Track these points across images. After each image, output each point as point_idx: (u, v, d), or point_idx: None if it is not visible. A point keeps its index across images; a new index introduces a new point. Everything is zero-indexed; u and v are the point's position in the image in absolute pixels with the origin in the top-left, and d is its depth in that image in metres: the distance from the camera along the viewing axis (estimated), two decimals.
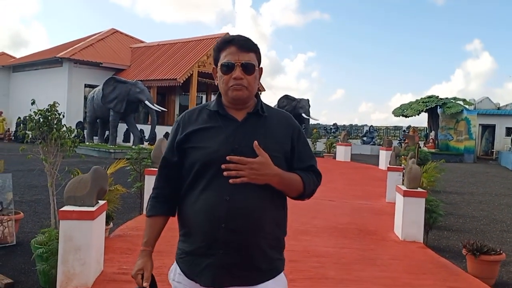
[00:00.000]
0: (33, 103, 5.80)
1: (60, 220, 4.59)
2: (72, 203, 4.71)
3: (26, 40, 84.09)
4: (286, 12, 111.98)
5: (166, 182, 2.20)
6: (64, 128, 5.90)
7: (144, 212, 8.08)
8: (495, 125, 30.06)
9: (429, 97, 29.65)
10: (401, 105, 30.81)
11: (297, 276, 5.07)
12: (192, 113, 2.22)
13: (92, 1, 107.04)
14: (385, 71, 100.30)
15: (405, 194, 7.10)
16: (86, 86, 26.98)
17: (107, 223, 5.78)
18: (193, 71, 23.72)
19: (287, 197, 2.21)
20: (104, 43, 29.89)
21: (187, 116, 2.21)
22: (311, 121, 29.63)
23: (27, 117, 5.87)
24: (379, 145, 27.85)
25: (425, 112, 29.46)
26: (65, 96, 25.41)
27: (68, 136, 5.82)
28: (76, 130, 6.01)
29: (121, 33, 32.65)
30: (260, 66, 2.21)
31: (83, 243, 4.57)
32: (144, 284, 2.13)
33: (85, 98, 25.35)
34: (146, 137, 21.68)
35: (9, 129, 28.97)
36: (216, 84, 2.18)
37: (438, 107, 29.27)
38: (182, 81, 23.25)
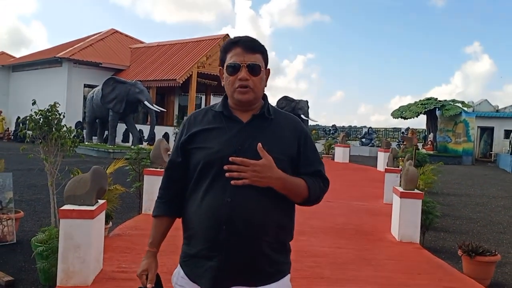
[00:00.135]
0: (34, 103, 5.87)
1: (60, 219, 4.64)
2: (72, 202, 4.76)
3: (25, 39, 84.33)
4: (286, 13, 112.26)
5: (171, 183, 2.20)
6: (65, 128, 5.96)
7: (143, 211, 8.16)
8: (493, 127, 30.18)
9: (428, 99, 29.74)
10: (399, 107, 30.91)
11: (293, 275, 5.05)
12: (198, 114, 2.20)
13: (92, 1, 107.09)
14: (384, 73, 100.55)
15: (402, 195, 7.16)
16: (85, 86, 27.08)
17: (106, 222, 5.84)
18: (192, 71, 23.79)
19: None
20: (103, 43, 29.97)
21: (193, 117, 2.19)
22: (310, 123, 29.74)
23: (28, 117, 5.93)
24: (378, 146, 27.94)
25: (423, 114, 29.55)
26: (64, 96, 25.48)
27: (68, 136, 5.88)
28: (76, 130, 6.06)
29: (121, 33, 32.74)
30: (268, 67, 2.18)
31: (83, 241, 4.62)
32: (148, 285, 2.12)
33: (85, 98, 25.43)
34: (145, 137, 21.75)
35: (8, 128, 29.05)
36: (222, 84, 2.17)
37: (437, 109, 29.37)
38: (181, 82, 23.32)
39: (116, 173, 7.91)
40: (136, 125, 22.35)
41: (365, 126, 36.85)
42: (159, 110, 21.79)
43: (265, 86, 2.17)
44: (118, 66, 28.24)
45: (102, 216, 5.12)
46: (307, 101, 27.78)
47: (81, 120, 25.36)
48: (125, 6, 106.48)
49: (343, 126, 39.01)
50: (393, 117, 30.87)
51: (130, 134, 22.12)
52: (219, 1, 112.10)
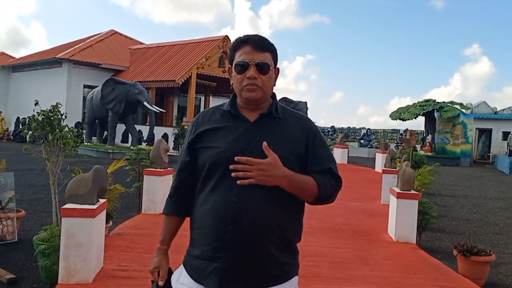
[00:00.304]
0: (36, 103, 5.94)
1: (62, 217, 4.72)
2: (74, 201, 4.84)
3: (25, 39, 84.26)
4: (285, 14, 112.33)
5: (180, 183, 2.20)
6: (66, 129, 6.05)
7: (143, 211, 8.25)
8: (491, 129, 30.23)
9: (426, 100, 29.84)
10: (398, 109, 30.99)
11: None
12: (206, 114, 2.19)
13: (92, 1, 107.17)
14: (384, 75, 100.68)
15: (399, 196, 7.25)
16: (85, 86, 27.16)
17: (106, 221, 5.91)
18: (191, 72, 23.85)
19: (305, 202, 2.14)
20: (103, 44, 30.04)
21: (201, 117, 2.18)
22: None
23: (30, 117, 6.01)
24: (376, 148, 28.02)
25: (422, 115, 29.64)
26: (64, 97, 25.55)
27: (70, 136, 5.96)
28: (77, 130, 6.14)
29: (121, 34, 32.82)
30: (277, 66, 2.16)
31: (84, 240, 4.70)
32: (160, 283, 2.14)
33: (84, 98, 25.51)
34: (145, 138, 21.82)
35: (8, 128, 29.11)
36: (231, 85, 2.16)
37: (435, 111, 29.46)
38: (180, 83, 23.38)
39: (116, 173, 7.98)
40: (136, 126, 22.43)
41: (364, 128, 36.92)
42: (158, 111, 21.85)
43: (274, 85, 2.15)
44: (118, 67, 28.31)
45: (103, 215, 5.20)
46: (306, 102, 27.83)
47: (81, 121, 25.42)
48: (124, 7, 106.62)
49: (342, 128, 39.07)
50: (392, 119, 30.97)
51: (130, 135, 22.20)
52: (219, 2, 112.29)
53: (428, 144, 29.20)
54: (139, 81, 22.94)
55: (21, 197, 9.56)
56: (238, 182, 1.93)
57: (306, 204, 2.15)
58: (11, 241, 6.44)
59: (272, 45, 2.13)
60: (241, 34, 2.13)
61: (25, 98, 28.63)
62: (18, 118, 28.98)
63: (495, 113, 31.03)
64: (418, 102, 30.13)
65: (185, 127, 22.98)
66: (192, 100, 24.44)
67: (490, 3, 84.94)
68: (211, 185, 2.02)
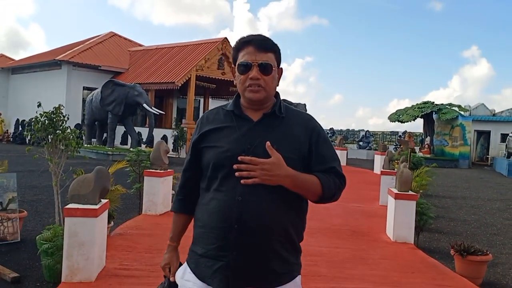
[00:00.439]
0: (39, 105, 6.02)
1: (65, 217, 4.80)
2: (76, 201, 4.92)
3: (23, 41, 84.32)
4: (284, 16, 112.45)
5: (185, 181, 2.25)
6: (69, 130, 6.13)
7: (143, 212, 8.33)
8: (490, 131, 30.34)
9: (425, 103, 29.95)
10: (397, 111, 31.10)
11: None
12: (210, 114, 2.21)
13: (90, 3, 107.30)
14: (383, 77, 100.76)
15: (397, 196, 7.33)
16: (84, 88, 27.22)
17: (108, 222, 5.97)
18: (191, 74, 23.92)
19: (308, 201, 2.16)
20: (102, 46, 30.10)
21: (205, 117, 2.20)
22: None
23: (33, 119, 6.09)
24: (375, 149, 28.10)
25: (420, 118, 29.74)
26: (63, 98, 25.59)
27: (73, 137, 6.05)
28: (80, 132, 6.23)
29: (120, 36, 32.88)
30: (280, 66, 2.16)
31: (87, 239, 4.78)
32: (171, 278, 2.20)
33: (84, 100, 25.58)
34: (144, 140, 21.89)
35: (7, 130, 29.16)
36: (234, 83, 2.17)
37: (434, 113, 29.57)
38: (180, 85, 23.44)
39: (117, 174, 8.05)
40: (135, 128, 22.49)
41: (362, 130, 37.01)
42: (157, 113, 21.92)
43: (277, 85, 2.16)
44: (117, 69, 28.38)
45: (105, 215, 5.28)
46: (305, 104, 27.90)
47: (80, 123, 25.49)
48: (123, 9, 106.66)
49: (341, 130, 39.13)
50: (390, 121, 31.08)
51: (129, 137, 22.26)
52: (218, 4, 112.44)
53: (426, 146, 29.31)
54: (139, 83, 22.99)
55: (22, 198, 9.62)
56: (242, 181, 1.95)
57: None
58: (12, 241, 6.50)
59: (275, 45, 2.13)
60: (244, 34, 2.15)
61: (25, 100, 28.72)
62: (17, 120, 29.09)
63: (494, 115, 31.15)
64: (417, 104, 30.24)
65: (184, 129, 23.07)
66: (191, 102, 24.51)
67: (489, 5, 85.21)
68: (216, 184, 2.04)
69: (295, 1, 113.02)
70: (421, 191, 9.40)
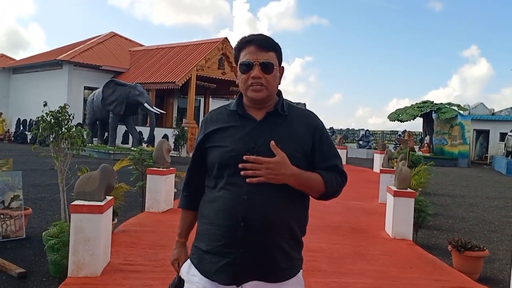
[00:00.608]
0: (45, 104, 6.15)
1: (71, 214, 4.92)
2: (82, 198, 5.04)
3: (23, 41, 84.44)
4: (283, 16, 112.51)
5: (189, 179, 2.30)
6: (74, 129, 6.26)
7: (146, 209, 8.45)
8: (489, 130, 30.44)
9: (424, 102, 30.08)
10: (396, 110, 31.21)
11: None
12: (213, 114, 2.24)
13: (90, 3, 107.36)
14: (382, 76, 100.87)
15: (395, 194, 7.45)
16: (85, 88, 27.34)
17: (112, 218, 6.10)
18: (191, 74, 24.02)
19: (310, 197, 2.19)
20: (103, 46, 30.22)
21: (209, 117, 2.23)
22: None
23: (39, 118, 6.22)
24: (375, 149, 28.21)
25: (420, 117, 29.86)
26: (64, 98, 25.67)
27: (78, 136, 6.17)
28: (86, 130, 6.36)
29: (121, 36, 33.01)
30: (282, 65, 2.19)
31: (92, 235, 4.90)
32: (180, 274, 2.25)
33: (85, 100, 25.71)
34: (145, 139, 22.00)
35: (9, 130, 29.27)
36: (237, 82, 2.19)
37: (433, 112, 29.69)
38: (180, 84, 23.53)
39: (120, 172, 8.16)
40: (136, 127, 22.60)
41: (362, 129, 37.13)
42: (158, 112, 22.02)
43: (279, 83, 2.18)
44: (118, 68, 28.49)
45: (110, 211, 5.40)
46: (304, 104, 28.12)
47: (82, 122, 25.61)
48: (123, 9, 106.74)
49: (341, 129, 39.25)
50: (390, 120, 31.18)
51: (130, 136, 22.39)
52: (217, 3, 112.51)
53: (426, 145, 29.43)
54: (140, 83, 23.10)
55: (25, 196, 9.69)
56: (247, 180, 1.98)
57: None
58: (16, 238, 6.60)
59: (276, 44, 2.16)
60: (245, 34, 2.19)
61: (26, 100, 28.85)
62: (19, 119, 29.22)
63: (493, 114, 31.25)
64: (416, 103, 30.36)
65: (185, 128, 23.17)
66: (192, 102, 24.61)
67: (488, 5, 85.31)
68: (222, 183, 2.07)
69: (294, 0, 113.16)
70: (420, 189, 9.50)
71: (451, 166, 26.94)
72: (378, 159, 18.70)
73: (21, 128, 28.95)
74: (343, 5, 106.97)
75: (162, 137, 19.22)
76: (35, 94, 27.44)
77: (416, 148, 28.02)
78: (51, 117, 6.11)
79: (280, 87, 2.21)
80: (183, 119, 25.95)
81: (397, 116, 30.32)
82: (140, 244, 6.22)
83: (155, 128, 21.68)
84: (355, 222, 8.63)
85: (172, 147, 21.23)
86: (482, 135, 30.90)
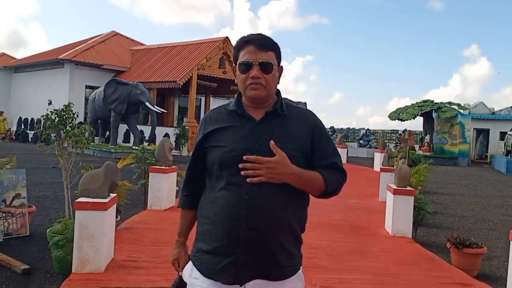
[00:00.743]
0: (50, 103, 6.23)
1: (76, 210, 5.00)
2: (86, 195, 5.12)
3: (24, 40, 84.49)
4: (284, 15, 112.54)
5: (189, 178, 2.30)
6: (78, 128, 6.35)
7: (148, 207, 8.54)
8: (489, 129, 30.51)
9: (424, 101, 30.16)
10: (397, 109, 31.29)
11: None
12: (213, 113, 2.24)
13: (90, 2, 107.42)
14: (383, 75, 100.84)
15: (395, 192, 7.52)
16: (87, 87, 27.44)
17: (115, 216, 6.18)
18: (192, 73, 24.09)
19: (310, 196, 2.20)
20: (105, 45, 30.30)
21: (209, 117, 2.23)
22: None
23: (44, 117, 6.30)
24: (375, 148, 28.29)
25: (420, 116, 29.94)
26: (66, 97, 25.72)
27: (82, 134, 6.26)
28: (90, 129, 6.46)
29: (122, 35, 33.08)
30: (281, 65, 2.19)
31: (96, 231, 4.98)
32: (181, 273, 2.26)
33: (86, 99, 25.82)
34: (146, 138, 22.08)
35: (10, 128, 29.37)
36: (231, 86, 2.24)
37: (433, 111, 29.77)
38: (181, 84, 23.61)
39: (122, 170, 8.21)
40: (137, 126, 22.68)
41: (363, 128, 37.19)
42: (159, 111, 22.10)
43: (278, 83, 2.19)
44: (119, 67, 28.57)
45: (113, 208, 5.49)
46: (305, 103, 28.09)
47: (83, 121, 25.69)
48: (123, 8, 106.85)
49: (342, 128, 39.31)
50: (390, 119, 31.25)
51: (131, 135, 22.47)
52: (218, 3, 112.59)
53: (426, 144, 29.51)
54: (141, 82, 23.17)
55: (28, 194, 9.75)
56: (247, 180, 1.99)
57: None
58: (20, 235, 6.67)
59: (275, 44, 2.16)
60: (245, 34, 2.19)
61: (27, 99, 28.95)
62: (20, 118, 29.33)
63: (493, 113, 31.31)
64: (417, 102, 30.45)
65: (186, 127, 23.25)
66: (192, 101, 24.69)
67: (488, 4, 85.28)
68: (222, 183, 2.07)
69: None
70: (419, 187, 9.59)
71: (451, 165, 27.03)
72: (378, 158, 18.78)
73: (22, 127, 29.06)
74: (344, 4, 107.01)
75: (163, 136, 19.33)
76: (37, 93, 27.58)
77: (417, 147, 28.10)
78: (55, 115, 6.19)
79: (280, 86, 2.24)
80: (184, 118, 26.03)
81: (397, 115, 30.39)
82: (143, 241, 6.30)
83: (156, 127, 21.77)
84: (355, 220, 8.71)
85: (173, 146, 21.43)
86: (482, 134, 30.97)
